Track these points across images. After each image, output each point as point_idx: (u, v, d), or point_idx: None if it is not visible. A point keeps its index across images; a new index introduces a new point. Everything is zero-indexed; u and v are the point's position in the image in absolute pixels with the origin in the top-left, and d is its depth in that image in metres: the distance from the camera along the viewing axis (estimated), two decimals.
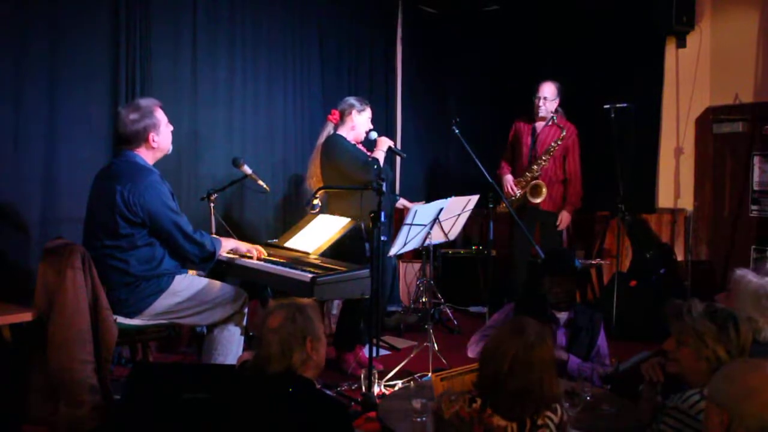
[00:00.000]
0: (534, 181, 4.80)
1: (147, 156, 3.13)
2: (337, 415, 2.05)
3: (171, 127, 3.22)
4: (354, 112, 4.06)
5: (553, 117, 4.80)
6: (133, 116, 3.10)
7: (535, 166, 4.80)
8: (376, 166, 3.78)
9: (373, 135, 4.05)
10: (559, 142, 4.77)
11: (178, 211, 3.12)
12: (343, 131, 4.08)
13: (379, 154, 3.96)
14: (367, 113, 4.11)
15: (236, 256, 3.41)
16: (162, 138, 3.15)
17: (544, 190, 4.76)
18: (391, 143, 4.05)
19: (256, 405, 2.01)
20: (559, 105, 4.86)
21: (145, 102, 3.16)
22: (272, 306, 2.13)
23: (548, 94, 4.80)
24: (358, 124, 4.07)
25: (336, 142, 4.02)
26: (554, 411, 1.94)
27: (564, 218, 4.86)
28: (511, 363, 1.87)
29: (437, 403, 2.01)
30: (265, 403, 1.99)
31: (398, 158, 5.95)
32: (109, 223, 3.01)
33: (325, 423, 1.98)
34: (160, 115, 3.16)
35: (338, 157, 3.95)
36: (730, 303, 2.33)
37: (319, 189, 3.81)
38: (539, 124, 4.88)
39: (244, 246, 3.42)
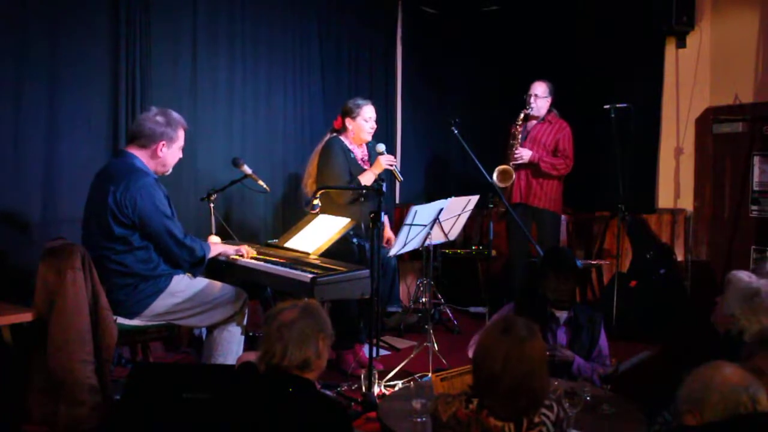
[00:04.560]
0: (502, 166, 4.74)
1: (147, 162, 3.13)
2: (338, 416, 2.05)
3: (181, 155, 3.25)
4: (348, 117, 4.07)
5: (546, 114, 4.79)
6: (159, 118, 3.12)
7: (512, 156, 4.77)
8: (353, 193, 3.77)
9: (381, 147, 4.02)
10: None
11: (171, 216, 3.11)
12: (343, 135, 4.09)
13: (368, 176, 3.95)
14: (363, 114, 4.06)
15: (236, 257, 3.41)
16: (169, 154, 3.17)
17: (513, 175, 4.72)
18: (389, 165, 4.01)
19: (257, 405, 2.01)
20: (554, 104, 4.86)
21: (176, 115, 3.19)
22: (280, 305, 2.11)
23: (539, 92, 4.79)
24: (354, 127, 4.07)
25: (329, 149, 4.02)
26: (550, 408, 1.93)
27: (524, 154, 4.73)
28: (504, 361, 1.85)
29: (434, 405, 2.00)
30: (266, 404, 1.99)
31: (397, 156, 5.95)
32: (104, 224, 3.01)
33: (325, 424, 1.97)
34: (181, 135, 3.19)
35: (324, 167, 3.98)
36: (723, 303, 2.33)
37: (320, 189, 3.81)
38: (531, 123, 4.87)
39: (231, 249, 3.45)
